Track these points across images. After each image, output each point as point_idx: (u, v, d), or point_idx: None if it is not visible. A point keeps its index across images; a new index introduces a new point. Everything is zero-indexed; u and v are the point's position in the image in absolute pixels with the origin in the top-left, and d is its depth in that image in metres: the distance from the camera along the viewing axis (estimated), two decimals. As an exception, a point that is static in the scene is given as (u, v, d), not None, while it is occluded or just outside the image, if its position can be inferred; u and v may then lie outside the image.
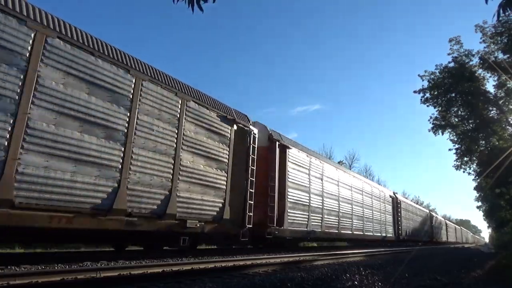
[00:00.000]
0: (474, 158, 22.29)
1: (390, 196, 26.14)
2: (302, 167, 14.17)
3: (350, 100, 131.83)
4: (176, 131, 8.42)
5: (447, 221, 59.86)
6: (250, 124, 11.36)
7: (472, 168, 22.84)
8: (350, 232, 17.89)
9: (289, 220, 12.64)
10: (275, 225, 11.77)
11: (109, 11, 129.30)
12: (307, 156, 14.79)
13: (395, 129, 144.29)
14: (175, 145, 8.33)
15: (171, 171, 8.15)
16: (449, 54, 21.01)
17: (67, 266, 6.04)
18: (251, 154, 10.96)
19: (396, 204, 26.31)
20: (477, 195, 31.36)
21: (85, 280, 4.85)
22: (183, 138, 8.56)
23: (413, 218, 32.01)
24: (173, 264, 6.82)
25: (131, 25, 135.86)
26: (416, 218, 33.27)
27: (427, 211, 42.21)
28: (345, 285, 5.36)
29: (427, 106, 22.13)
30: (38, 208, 5.84)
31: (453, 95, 21.18)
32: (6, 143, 5.53)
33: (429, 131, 22.82)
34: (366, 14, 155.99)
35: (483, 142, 21.73)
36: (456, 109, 21.83)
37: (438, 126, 22.43)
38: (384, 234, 22.79)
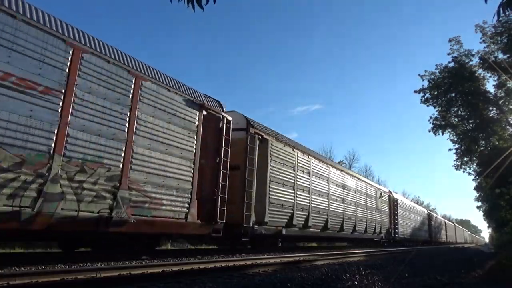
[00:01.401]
0: (474, 158, 22.27)
1: (243, 130, 11.23)
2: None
3: (351, 100, 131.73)
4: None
5: (432, 212, 43.62)
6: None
7: (472, 168, 22.83)
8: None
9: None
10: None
11: (108, 10, 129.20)
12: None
13: (395, 129, 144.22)
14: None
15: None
16: (449, 54, 21.04)
17: (67, 266, 6.05)
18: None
19: (273, 150, 12.13)
20: (477, 195, 31.31)
21: (85, 280, 4.86)
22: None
23: (345, 198, 17.59)
24: (173, 264, 6.83)
25: (131, 24, 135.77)
26: (357, 198, 19.11)
27: (384, 190, 26.00)
28: (345, 285, 5.36)
29: (427, 106, 22.16)
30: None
31: (453, 95, 21.18)
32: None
33: (429, 131, 22.84)
34: (367, 14, 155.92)
35: (483, 142, 21.71)
36: (456, 109, 21.83)
37: (438, 126, 22.41)
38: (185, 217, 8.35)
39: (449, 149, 22.83)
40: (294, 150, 13.75)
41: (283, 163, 12.72)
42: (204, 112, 9.51)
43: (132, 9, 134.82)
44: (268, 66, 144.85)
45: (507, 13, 4.12)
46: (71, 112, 6.55)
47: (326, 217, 15.34)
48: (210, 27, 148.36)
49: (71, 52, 6.67)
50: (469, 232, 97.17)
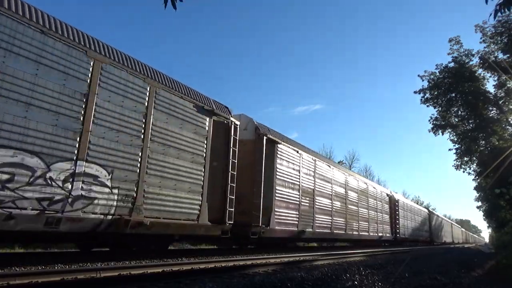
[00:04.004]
0: (474, 158, 22.29)
1: None
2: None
3: (351, 100, 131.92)
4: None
5: (395, 195, 26.54)
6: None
7: (472, 168, 22.87)
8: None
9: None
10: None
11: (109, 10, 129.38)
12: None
13: (395, 129, 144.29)
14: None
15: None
16: (449, 54, 21.07)
17: (67, 266, 6.04)
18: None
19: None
20: (477, 195, 31.32)
21: (85, 280, 4.85)
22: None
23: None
24: (173, 264, 6.82)
25: (131, 24, 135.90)
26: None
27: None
28: (345, 285, 5.36)
29: (427, 106, 22.18)
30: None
31: (453, 95, 21.20)
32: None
33: (429, 131, 22.86)
34: (368, 15, 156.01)
35: (483, 142, 21.72)
36: (456, 109, 21.85)
37: (438, 127, 22.43)
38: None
39: (449, 149, 22.89)
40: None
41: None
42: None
43: (132, 8, 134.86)
44: (269, 65, 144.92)
45: (504, 13, 4.13)
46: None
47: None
48: (211, 25, 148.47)
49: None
50: (463, 229, 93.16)
